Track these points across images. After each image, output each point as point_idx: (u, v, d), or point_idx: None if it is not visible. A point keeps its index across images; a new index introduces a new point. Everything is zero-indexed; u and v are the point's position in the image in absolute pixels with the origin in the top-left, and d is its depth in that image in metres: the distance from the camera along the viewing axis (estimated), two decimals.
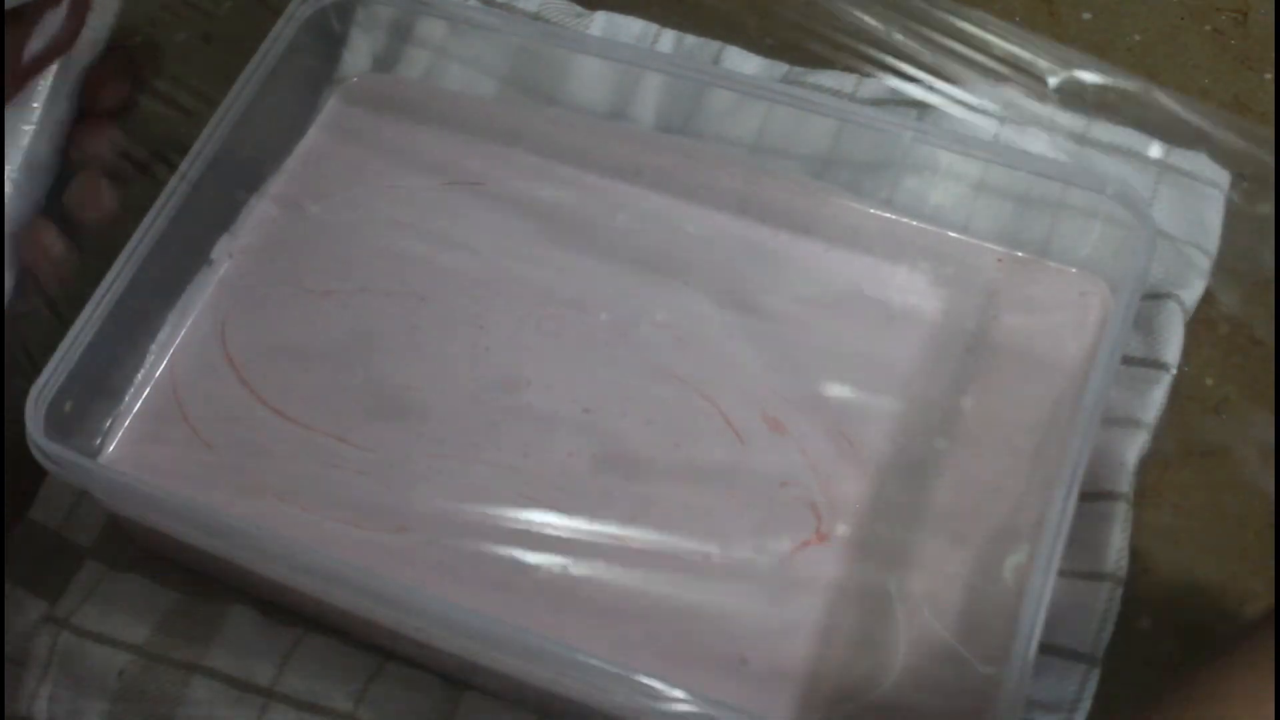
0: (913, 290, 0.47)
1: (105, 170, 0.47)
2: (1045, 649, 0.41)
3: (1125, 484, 0.44)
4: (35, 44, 0.45)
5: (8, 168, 0.45)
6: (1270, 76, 0.54)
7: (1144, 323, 0.46)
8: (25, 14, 0.45)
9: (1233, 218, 0.50)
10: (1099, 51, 0.54)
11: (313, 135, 0.52)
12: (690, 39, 0.54)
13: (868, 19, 0.51)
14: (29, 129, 0.45)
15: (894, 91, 0.52)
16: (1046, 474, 0.43)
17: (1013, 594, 0.41)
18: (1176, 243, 0.49)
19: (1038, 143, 0.51)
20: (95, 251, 0.48)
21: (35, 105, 0.46)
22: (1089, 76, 0.50)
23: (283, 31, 0.49)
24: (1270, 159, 0.52)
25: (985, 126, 0.51)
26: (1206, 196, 0.49)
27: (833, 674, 0.41)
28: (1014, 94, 0.52)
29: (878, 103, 0.52)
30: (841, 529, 0.43)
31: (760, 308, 0.47)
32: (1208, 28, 0.55)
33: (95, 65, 0.47)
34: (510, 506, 0.44)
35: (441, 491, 0.45)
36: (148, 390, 0.47)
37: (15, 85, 0.45)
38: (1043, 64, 0.50)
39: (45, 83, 0.46)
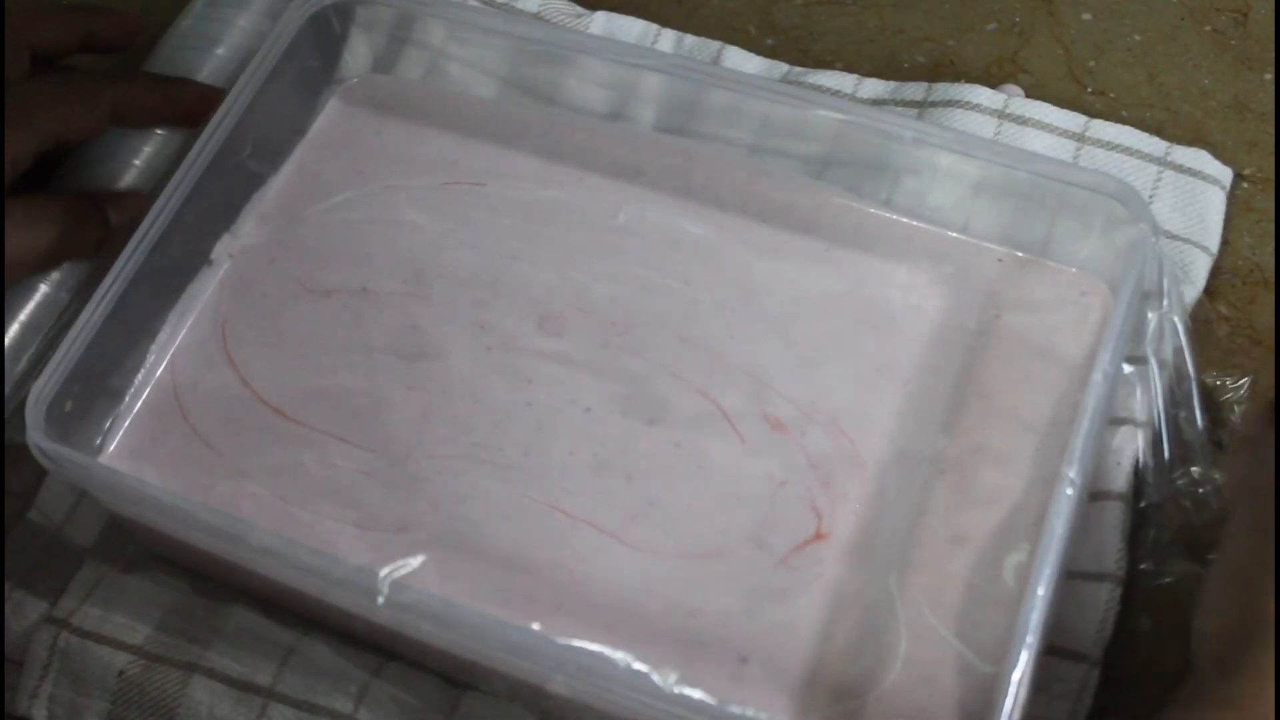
0: (913, 290, 0.47)
1: None
2: (1045, 649, 0.41)
3: (1125, 484, 0.44)
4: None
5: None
6: (1270, 76, 0.54)
7: (1143, 322, 0.46)
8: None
9: (1233, 217, 0.50)
10: (1099, 52, 0.54)
11: (313, 135, 0.52)
12: (690, 39, 0.54)
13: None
14: None
15: (894, 91, 0.53)
16: (1046, 474, 0.43)
17: (1013, 594, 0.41)
18: (1177, 242, 0.49)
19: (1038, 143, 0.51)
20: None
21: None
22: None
23: (283, 32, 0.49)
24: (1270, 159, 0.52)
25: (985, 126, 0.51)
26: (1207, 196, 0.49)
27: (833, 673, 0.41)
28: (1014, 94, 0.52)
29: (878, 103, 0.52)
30: (841, 529, 0.43)
31: (761, 308, 0.47)
32: (1208, 28, 0.55)
33: None
34: (510, 506, 0.44)
35: (442, 491, 0.45)
36: (148, 390, 0.47)
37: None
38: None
39: None
